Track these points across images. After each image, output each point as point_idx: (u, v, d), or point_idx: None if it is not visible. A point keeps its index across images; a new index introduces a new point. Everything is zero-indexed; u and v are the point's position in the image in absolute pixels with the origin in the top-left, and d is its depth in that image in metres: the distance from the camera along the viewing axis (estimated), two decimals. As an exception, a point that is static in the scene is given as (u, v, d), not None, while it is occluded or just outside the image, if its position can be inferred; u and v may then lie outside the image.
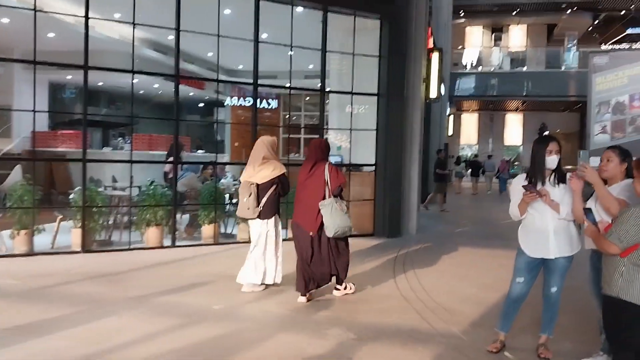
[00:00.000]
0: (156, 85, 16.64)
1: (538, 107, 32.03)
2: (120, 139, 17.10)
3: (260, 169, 5.66)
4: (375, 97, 9.67)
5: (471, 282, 6.49)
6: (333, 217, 5.34)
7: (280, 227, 5.90)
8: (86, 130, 7.84)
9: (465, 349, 4.29)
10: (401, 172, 9.72)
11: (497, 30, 33.37)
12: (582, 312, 5.08)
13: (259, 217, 5.67)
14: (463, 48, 32.36)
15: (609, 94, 24.12)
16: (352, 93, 9.52)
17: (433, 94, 10.80)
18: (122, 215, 8.71)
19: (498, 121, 34.57)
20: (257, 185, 5.62)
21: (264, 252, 5.75)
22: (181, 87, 8.60)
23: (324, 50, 9.06)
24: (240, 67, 15.24)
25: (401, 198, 9.75)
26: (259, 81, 8.75)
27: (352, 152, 9.61)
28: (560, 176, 3.98)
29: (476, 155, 30.66)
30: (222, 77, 9.86)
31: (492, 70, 30.73)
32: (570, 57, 30.02)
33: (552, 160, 3.94)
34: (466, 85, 28.82)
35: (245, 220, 6.44)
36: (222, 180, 10.47)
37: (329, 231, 5.37)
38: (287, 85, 9.34)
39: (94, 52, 7.66)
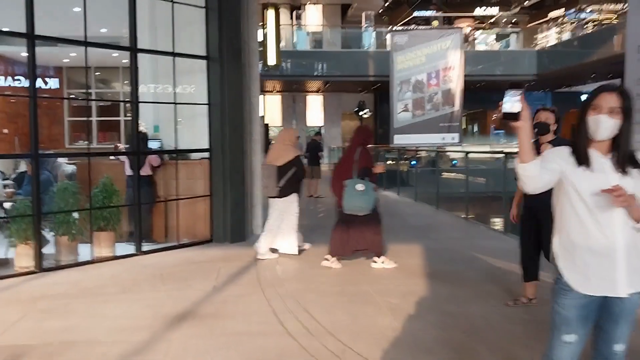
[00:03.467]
0: None
1: (337, 88, 32.01)
2: None
3: (281, 154, 6.40)
4: (205, 62, 7.38)
5: (371, 304, 4.74)
6: (348, 196, 5.80)
7: (297, 205, 6.54)
8: None
9: None
10: (243, 158, 7.61)
11: (296, 9, 32.46)
12: None
13: (278, 195, 6.38)
14: (264, 26, 30.80)
15: (409, 72, 24.52)
16: (173, 54, 7.09)
17: (271, 60, 8.82)
18: None
19: (300, 103, 34.01)
20: (279, 167, 6.32)
21: (282, 225, 6.51)
22: None
23: (133, -7, 6.52)
24: (5, 29, 11.49)
25: (245, 191, 7.66)
26: (37, 43, 5.90)
27: (177, 134, 7.23)
28: (627, 155, 2.31)
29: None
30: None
31: (292, 49, 29.74)
32: (368, 38, 30.36)
33: (596, 122, 2.23)
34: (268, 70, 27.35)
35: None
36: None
37: (344, 207, 5.87)
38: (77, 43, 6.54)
39: None
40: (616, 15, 25.36)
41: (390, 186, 14.79)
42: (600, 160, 2.29)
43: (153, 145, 7.71)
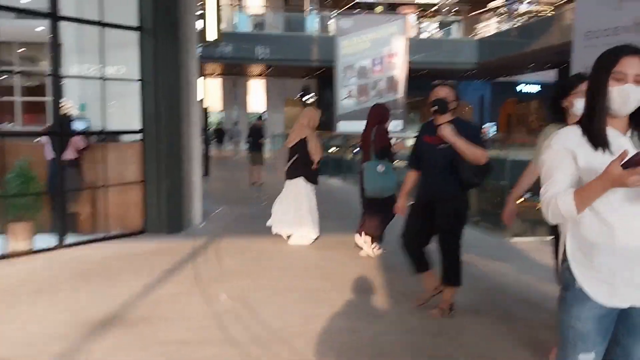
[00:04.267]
0: None
1: (280, 73, 31.32)
2: None
3: (294, 135, 6.26)
4: (137, 33, 6.65)
5: (326, 303, 4.26)
6: (369, 178, 5.47)
7: (305, 189, 6.24)
8: None
9: None
10: (180, 141, 6.94)
11: (237, -10, 31.44)
12: None
13: (286, 177, 6.31)
14: (202, 6, 29.59)
15: (354, 57, 24.25)
16: (101, 24, 6.33)
17: (211, 35, 8.14)
18: None
19: (241, 87, 33.14)
20: (290, 149, 6.24)
21: (296, 212, 6.29)
22: None
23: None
24: None
25: (182, 178, 7.01)
26: None
27: (106, 113, 6.47)
28: None
29: (219, 123, 28.92)
30: None
31: (233, 31, 28.74)
32: (311, 22, 29.76)
33: (624, 94, 1.79)
34: (219, 46, 26.25)
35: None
36: None
37: (365, 191, 5.56)
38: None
39: None
40: (552, 7, 25.83)
41: (336, 174, 14.38)
42: (619, 140, 1.86)
43: (78, 126, 6.93)
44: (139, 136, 6.74)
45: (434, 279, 4.09)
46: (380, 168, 5.45)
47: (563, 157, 1.87)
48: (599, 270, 1.86)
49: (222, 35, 8.51)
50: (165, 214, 6.71)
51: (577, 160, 1.84)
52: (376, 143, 5.53)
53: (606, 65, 1.85)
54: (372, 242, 5.81)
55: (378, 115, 5.73)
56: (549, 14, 24.92)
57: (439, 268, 3.97)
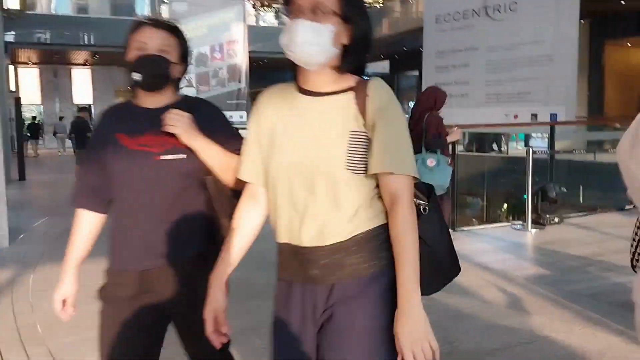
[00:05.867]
0: None
1: (109, 60, 28.64)
2: None
3: None
4: None
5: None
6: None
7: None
8: None
9: None
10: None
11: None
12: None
13: None
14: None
15: (191, 44, 22.62)
16: None
17: (14, 3, 6.41)
18: None
19: (64, 77, 29.80)
20: None
21: None
22: None
23: None
24: None
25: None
26: None
27: None
28: None
29: (34, 118, 25.79)
30: None
31: (51, 14, 25.59)
32: (141, 5, 27.57)
33: None
34: (35, 30, 22.94)
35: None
36: None
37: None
38: None
39: None
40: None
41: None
42: None
43: None
44: None
45: None
46: (431, 162, 4.84)
47: None
48: None
49: (26, 5, 6.79)
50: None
51: None
52: (428, 131, 4.96)
53: None
54: None
55: (430, 100, 5.15)
56: (379, 6, 25.52)
57: None
